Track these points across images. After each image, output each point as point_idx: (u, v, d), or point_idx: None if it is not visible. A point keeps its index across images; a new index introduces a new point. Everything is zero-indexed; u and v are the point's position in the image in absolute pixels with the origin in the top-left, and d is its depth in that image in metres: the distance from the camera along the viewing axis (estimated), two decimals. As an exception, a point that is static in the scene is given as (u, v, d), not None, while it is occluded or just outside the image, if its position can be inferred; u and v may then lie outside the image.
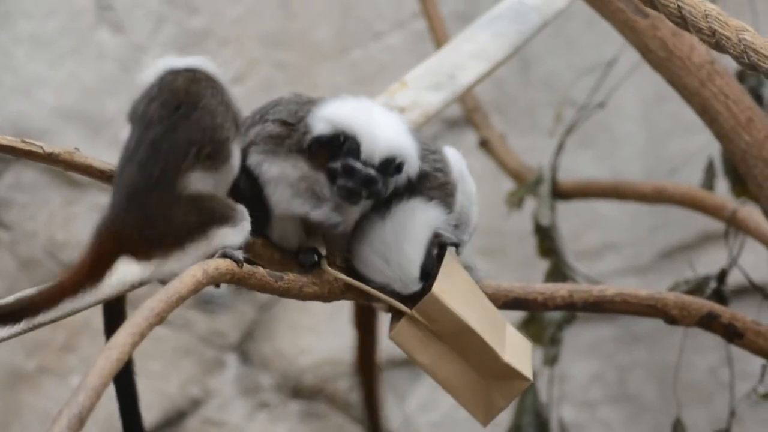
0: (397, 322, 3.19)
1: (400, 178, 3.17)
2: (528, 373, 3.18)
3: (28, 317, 2.99)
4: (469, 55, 4.29)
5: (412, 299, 3.17)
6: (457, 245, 3.26)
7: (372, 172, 3.09)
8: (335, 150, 3.09)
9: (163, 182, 2.97)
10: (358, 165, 3.08)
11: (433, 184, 3.24)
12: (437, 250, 3.21)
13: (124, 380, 3.30)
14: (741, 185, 4.43)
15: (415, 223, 3.17)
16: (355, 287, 3.19)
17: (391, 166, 3.11)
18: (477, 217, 3.39)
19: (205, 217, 3.00)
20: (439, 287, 3.14)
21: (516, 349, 3.22)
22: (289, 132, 3.14)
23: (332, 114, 3.13)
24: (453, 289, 3.18)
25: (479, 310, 3.21)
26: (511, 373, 3.16)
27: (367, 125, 3.11)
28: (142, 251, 2.99)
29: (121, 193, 2.97)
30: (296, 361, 5.89)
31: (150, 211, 2.96)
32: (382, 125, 3.12)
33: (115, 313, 3.29)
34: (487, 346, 3.15)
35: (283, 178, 3.12)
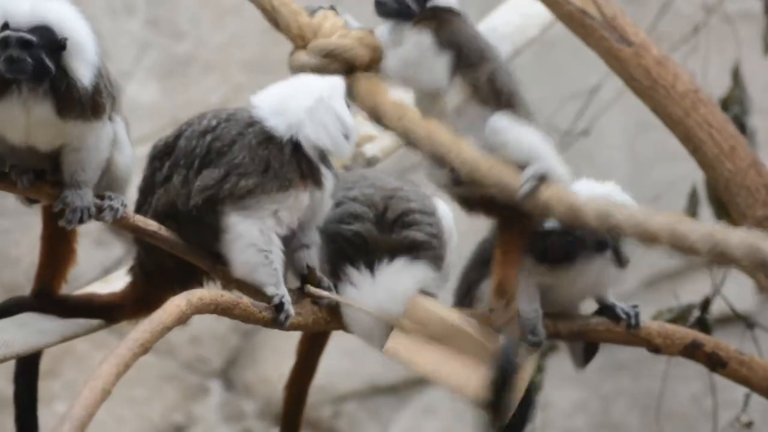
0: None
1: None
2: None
3: None
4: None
5: None
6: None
7: (26, 36, 3.05)
8: None
9: None
10: (8, 32, 3.05)
11: (428, 252, 3.34)
12: None
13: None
14: (725, 213, 4.43)
15: (405, 283, 3.28)
16: (337, 317, 3.20)
17: (47, 35, 3.07)
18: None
19: None
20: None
21: None
22: None
23: None
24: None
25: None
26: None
27: None
28: None
29: None
30: (280, 388, 5.83)
31: None
32: None
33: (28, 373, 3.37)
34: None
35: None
